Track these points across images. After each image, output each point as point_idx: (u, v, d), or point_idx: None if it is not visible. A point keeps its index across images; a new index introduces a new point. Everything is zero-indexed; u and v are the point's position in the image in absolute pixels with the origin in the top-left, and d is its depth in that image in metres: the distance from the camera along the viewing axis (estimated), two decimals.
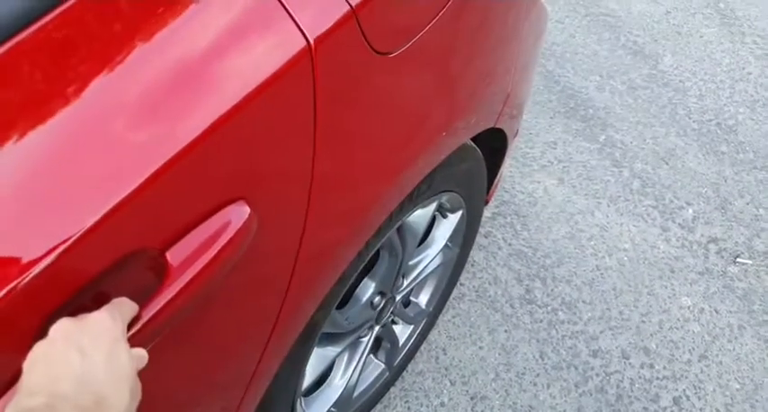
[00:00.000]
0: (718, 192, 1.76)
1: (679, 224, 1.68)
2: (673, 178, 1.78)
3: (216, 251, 0.56)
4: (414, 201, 0.97)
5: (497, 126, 1.04)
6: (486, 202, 1.42)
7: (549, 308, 1.51)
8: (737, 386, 1.38)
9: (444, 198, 1.09)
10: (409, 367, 1.39)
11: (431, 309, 1.34)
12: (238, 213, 0.58)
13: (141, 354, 0.50)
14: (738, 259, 1.60)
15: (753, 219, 1.70)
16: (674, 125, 1.92)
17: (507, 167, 1.79)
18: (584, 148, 1.86)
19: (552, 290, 1.54)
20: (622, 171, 1.80)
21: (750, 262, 1.60)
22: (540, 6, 1.11)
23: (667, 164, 1.82)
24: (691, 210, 1.71)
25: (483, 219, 1.70)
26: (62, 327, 0.46)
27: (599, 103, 1.98)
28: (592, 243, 1.63)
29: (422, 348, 1.43)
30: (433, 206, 1.06)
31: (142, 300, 0.53)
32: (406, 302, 1.32)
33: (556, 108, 1.97)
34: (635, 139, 1.88)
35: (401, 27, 0.71)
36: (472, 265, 1.59)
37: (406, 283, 1.17)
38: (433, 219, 1.20)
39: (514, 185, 1.77)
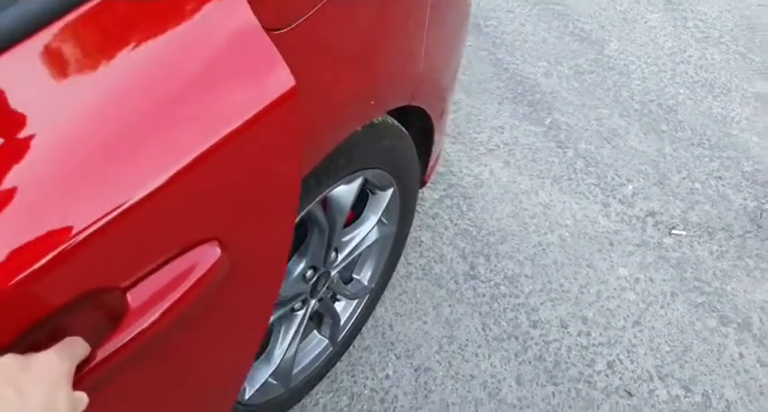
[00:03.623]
0: (657, 168, 1.82)
1: (619, 200, 1.75)
2: (615, 157, 1.85)
3: (180, 293, 0.55)
4: (333, 176, 1.03)
5: (414, 104, 1.10)
6: (424, 182, 1.49)
7: (491, 282, 1.57)
8: (668, 348, 1.44)
9: (370, 174, 1.15)
10: (356, 343, 1.45)
11: (373, 285, 1.40)
12: (208, 254, 0.57)
13: (81, 398, 0.49)
14: (674, 231, 1.67)
15: (689, 192, 1.77)
16: (618, 107, 1.99)
17: (455, 152, 1.86)
18: (531, 132, 1.92)
19: (495, 265, 1.60)
20: (566, 151, 1.87)
21: (684, 233, 1.67)
22: None
23: (610, 143, 1.89)
24: (631, 187, 1.78)
25: (431, 201, 1.76)
26: (5, 364, 0.46)
27: (546, 88, 2.05)
28: (534, 220, 1.70)
29: (369, 324, 1.49)
30: (358, 182, 1.12)
31: (99, 339, 0.53)
32: (348, 279, 1.38)
33: (504, 94, 2.03)
34: (579, 121, 1.95)
35: (292, 4, 0.76)
36: (419, 245, 1.65)
37: (340, 258, 1.22)
38: (367, 197, 1.27)
39: (462, 169, 1.83)
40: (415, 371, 1.41)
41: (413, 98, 1.07)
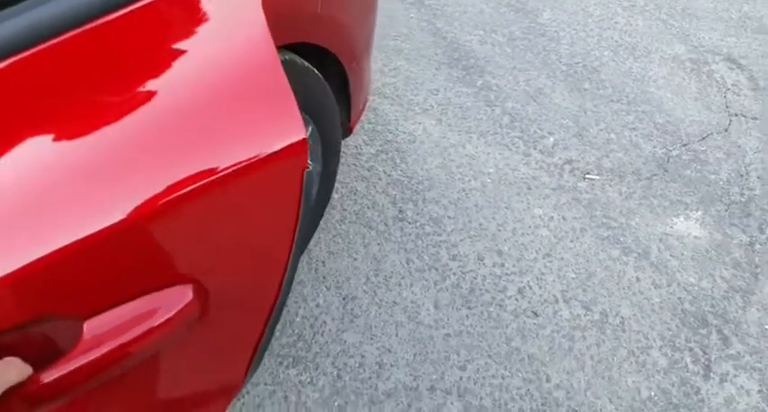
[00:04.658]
0: (577, 122, 1.97)
1: (540, 150, 1.89)
2: (539, 113, 2.00)
3: (140, 331, 0.54)
4: None
5: (314, 42, 1.24)
6: (350, 129, 1.63)
7: (417, 223, 1.71)
8: (573, 275, 1.59)
9: None
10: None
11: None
12: (178, 297, 0.55)
13: None
14: (588, 175, 1.81)
15: (605, 142, 1.91)
16: (546, 69, 2.14)
17: (392, 112, 2.00)
18: (463, 93, 2.06)
19: (422, 209, 1.74)
20: (494, 109, 2.01)
21: (598, 177, 1.81)
22: None
23: (535, 101, 2.03)
24: (552, 139, 1.92)
25: (367, 155, 1.90)
26: None
27: (480, 53, 2.19)
28: (460, 170, 1.84)
29: (303, 262, 1.62)
30: None
31: (46, 363, 0.52)
32: None
33: (441, 60, 2.17)
34: (509, 83, 2.09)
35: None
36: (354, 194, 1.79)
37: None
38: None
39: (398, 127, 1.97)
40: (343, 299, 1.55)
41: (309, 36, 1.21)
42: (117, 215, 0.49)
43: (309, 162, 1.48)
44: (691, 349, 1.46)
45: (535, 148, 1.89)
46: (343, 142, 1.94)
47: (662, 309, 1.53)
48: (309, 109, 1.35)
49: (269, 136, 0.57)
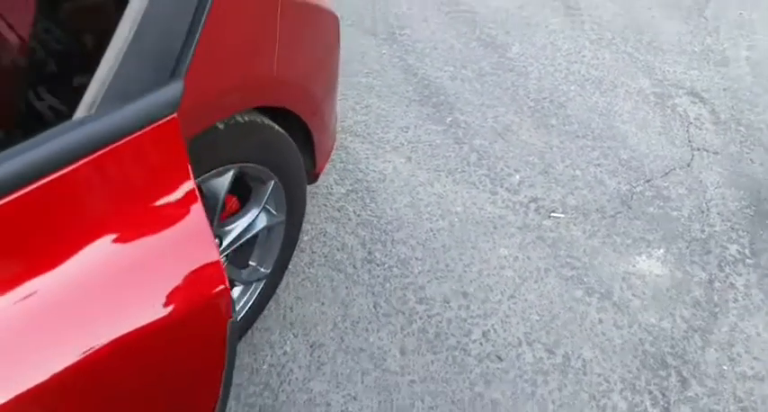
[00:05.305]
0: (543, 159, 2.01)
1: (506, 188, 1.92)
2: (506, 150, 2.03)
3: None
4: (197, 169, 1.18)
5: (275, 105, 1.27)
6: (316, 175, 1.66)
7: (386, 265, 1.74)
8: (537, 317, 1.62)
9: (241, 168, 1.31)
10: (258, 324, 1.61)
11: (268, 270, 1.56)
12: None
13: None
14: (553, 214, 1.84)
15: (570, 179, 1.95)
16: (514, 105, 2.18)
17: (363, 150, 2.02)
18: (432, 130, 2.10)
19: (390, 250, 1.77)
20: (463, 147, 2.04)
21: (562, 215, 1.85)
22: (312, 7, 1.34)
23: (503, 138, 2.07)
24: (518, 176, 1.96)
25: (338, 195, 1.93)
26: None
27: (450, 90, 2.23)
28: (429, 209, 1.87)
29: (271, 307, 1.64)
30: (230, 175, 1.28)
31: None
32: (244, 265, 1.54)
33: (412, 97, 2.21)
34: (477, 120, 2.13)
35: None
36: (324, 235, 1.81)
37: (224, 245, 1.38)
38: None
39: (369, 166, 2.00)
40: (311, 346, 1.57)
41: (266, 99, 1.24)
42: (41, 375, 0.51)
43: (272, 210, 1.51)
44: (650, 392, 1.49)
45: (502, 186, 1.93)
46: (315, 183, 1.98)
47: (623, 350, 1.56)
48: (271, 164, 1.38)
49: (188, 291, 0.60)
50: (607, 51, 2.37)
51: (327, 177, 1.96)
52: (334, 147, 1.71)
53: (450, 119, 2.13)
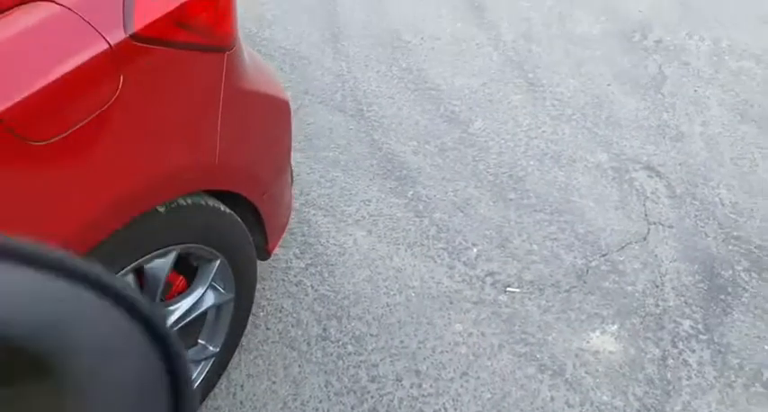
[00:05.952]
0: (501, 233, 2.04)
1: (463, 262, 1.95)
2: (465, 224, 2.07)
3: None
4: (137, 251, 1.21)
5: (217, 189, 1.31)
6: (269, 253, 1.68)
7: (340, 342, 1.73)
8: (489, 395, 1.60)
9: (185, 249, 1.33)
10: (208, 403, 1.59)
11: (217, 349, 1.56)
12: None
13: None
14: (508, 288, 1.86)
15: (526, 253, 1.98)
16: (474, 179, 2.23)
17: (325, 224, 2.06)
18: (394, 203, 2.14)
19: (346, 327, 1.77)
20: (423, 220, 2.08)
21: (518, 290, 1.86)
22: (256, 93, 1.40)
23: (462, 212, 2.11)
24: (475, 250, 1.99)
25: (297, 269, 1.95)
26: None
27: (413, 164, 2.29)
28: (386, 283, 1.88)
29: (222, 386, 1.63)
30: (172, 256, 1.30)
31: None
32: (192, 344, 1.54)
33: (375, 171, 2.27)
34: (438, 193, 2.18)
35: (56, 121, 0.97)
36: (280, 311, 1.82)
37: (168, 324, 1.39)
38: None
39: (329, 239, 2.03)
40: None
41: (210, 184, 1.28)
42: None
43: (220, 288, 1.52)
44: None
45: (459, 260, 1.95)
46: (274, 257, 2.00)
47: None
48: (216, 244, 1.41)
49: None
50: (567, 126, 2.46)
51: (287, 251, 1.98)
52: (289, 223, 1.75)
53: (411, 192, 2.18)
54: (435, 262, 1.95)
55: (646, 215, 2.14)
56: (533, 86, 2.67)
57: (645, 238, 2.06)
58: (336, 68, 2.72)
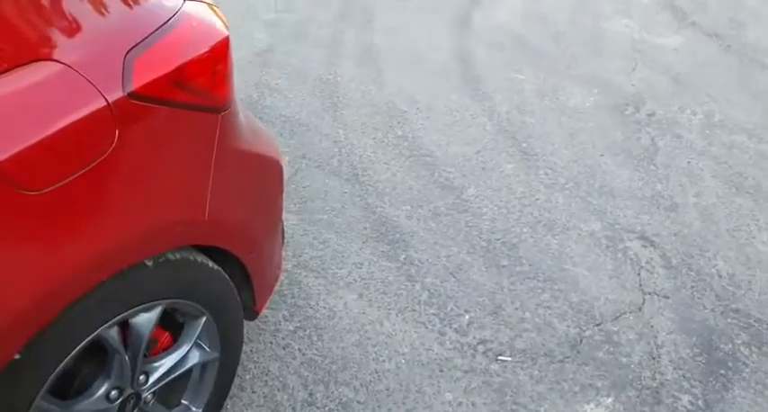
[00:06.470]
0: (493, 300, 2.01)
1: (455, 329, 1.91)
2: (457, 289, 2.04)
3: None
4: (122, 304, 1.19)
5: (205, 244, 1.31)
6: (256, 313, 1.65)
7: (326, 408, 1.67)
8: None
9: (171, 304, 1.31)
10: None
11: (201, 411, 1.50)
12: None
13: None
14: (500, 357, 1.81)
15: (519, 321, 1.94)
16: (466, 244, 2.23)
17: (316, 286, 2.03)
18: (386, 267, 2.13)
19: (333, 392, 1.71)
20: (415, 285, 2.06)
21: (510, 359, 1.81)
22: (250, 152, 1.42)
23: (454, 277, 2.09)
24: (467, 317, 1.95)
25: (285, 332, 1.91)
26: None
27: (406, 228, 2.29)
28: (376, 349, 1.84)
29: None
30: (157, 311, 1.28)
31: None
32: (176, 403, 1.48)
33: (368, 234, 2.27)
34: (430, 258, 2.17)
35: (51, 172, 0.99)
36: (266, 375, 1.77)
37: (151, 381, 1.34)
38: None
39: (319, 302, 2.00)
40: None
41: (198, 240, 1.28)
42: None
43: (205, 346, 1.48)
44: None
45: (450, 327, 1.91)
46: (263, 318, 1.96)
47: None
48: (203, 300, 1.38)
49: None
50: (560, 195, 2.48)
51: (276, 313, 1.95)
52: (278, 285, 1.73)
53: (403, 256, 2.17)
54: (426, 328, 1.91)
55: (641, 285, 2.11)
56: (527, 156, 2.72)
57: (640, 309, 2.02)
58: (334, 135, 2.78)
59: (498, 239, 2.26)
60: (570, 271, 2.14)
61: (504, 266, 2.14)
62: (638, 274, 2.15)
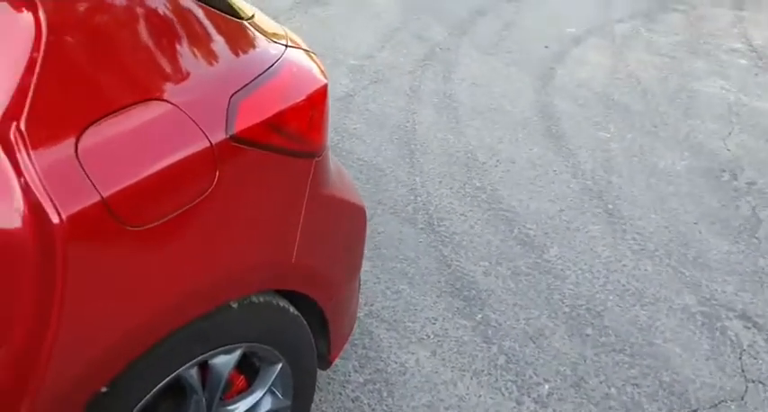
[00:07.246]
0: (576, 370, 1.86)
1: (533, 399, 1.77)
2: (536, 356, 1.91)
3: None
4: (205, 345, 1.15)
5: (289, 289, 1.26)
6: (330, 362, 1.58)
7: None
8: None
9: (250, 348, 1.26)
10: None
11: None
12: None
13: None
14: None
15: (603, 397, 1.78)
16: (548, 308, 2.10)
17: (387, 338, 1.95)
18: (461, 325, 2.02)
19: None
20: (491, 347, 1.94)
21: None
22: (337, 198, 1.39)
23: (534, 343, 1.96)
24: (547, 386, 1.81)
25: (355, 384, 1.82)
26: None
27: (483, 285, 2.19)
28: None
29: None
30: (237, 353, 1.23)
31: None
32: None
33: (443, 288, 2.18)
34: (509, 319, 2.05)
35: (153, 208, 0.97)
36: None
37: None
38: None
39: (390, 355, 1.91)
40: None
41: (283, 284, 1.24)
42: None
43: (278, 393, 1.41)
44: None
45: (529, 396, 1.78)
46: (333, 367, 1.89)
47: None
48: (281, 346, 1.33)
49: None
50: (649, 263, 2.32)
51: (347, 363, 1.87)
52: (352, 334, 1.66)
53: (480, 315, 2.06)
54: (503, 394, 1.78)
55: (743, 370, 1.92)
56: (613, 218, 2.58)
57: (742, 398, 1.82)
58: (410, 182, 2.74)
59: (582, 305, 2.12)
60: (661, 347, 1.97)
61: (587, 335, 2.00)
62: (740, 358, 1.95)
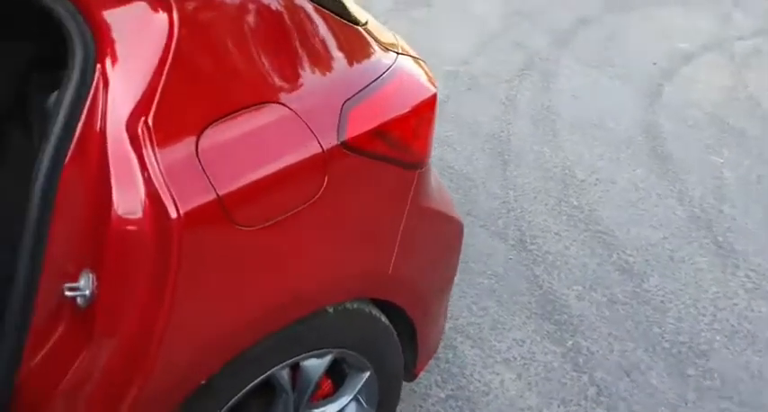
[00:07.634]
0: None
1: None
2: (631, 392, 1.79)
3: None
4: (299, 347, 1.15)
5: (383, 299, 1.23)
6: (415, 375, 1.54)
7: None
8: None
9: (341, 354, 1.24)
10: None
11: None
12: None
13: None
14: None
15: None
16: (645, 341, 1.96)
17: (471, 355, 1.88)
18: (550, 350, 1.92)
19: None
20: (581, 377, 1.83)
21: None
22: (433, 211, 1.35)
23: (629, 377, 1.83)
24: None
25: (436, 398, 1.78)
26: None
27: (575, 310, 2.08)
28: None
29: None
30: (328, 358, 1.23)
31: None
32: None
33: (533, 309, 2.08)
34: (602, 349, 1.93)
35: (264, 210, 0.96)
36: None
37: None
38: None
39: (474, 373, 1.85)
40: None
41: (378, 293, 1.22)
42: None
43: (363, 401, 1.40)
44: None
45: None
46: (413, 381, 1.85)
47: None
48: (371, 354, 1.31)
49: None
50: (765, 304, 2.13)
51: (429, 376, 1.82)
52: (438, 348, 1.61)
53: (571, 342, 1.95)
54: None
55: None
56: (723, 251, 2.39)
57: None
58: (502, 195, 2.66)
59: (684, 343, 1.97)
60: None
61: (689, 376, 1.85)
62: None
